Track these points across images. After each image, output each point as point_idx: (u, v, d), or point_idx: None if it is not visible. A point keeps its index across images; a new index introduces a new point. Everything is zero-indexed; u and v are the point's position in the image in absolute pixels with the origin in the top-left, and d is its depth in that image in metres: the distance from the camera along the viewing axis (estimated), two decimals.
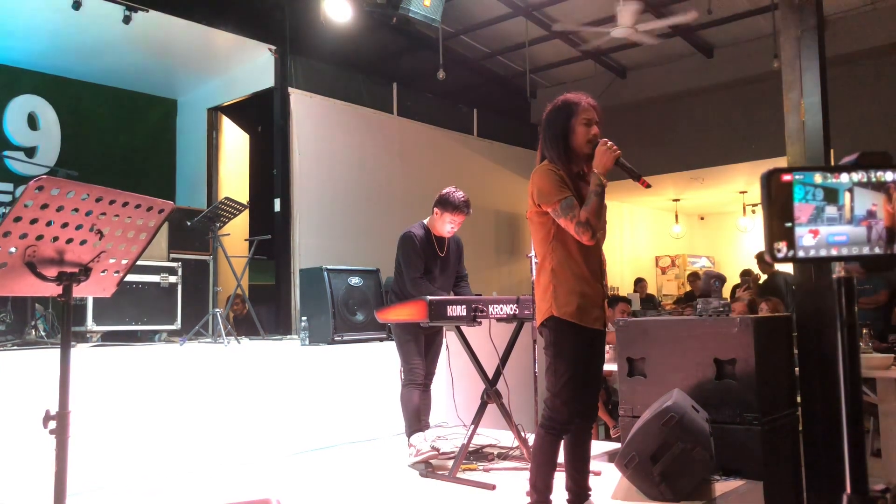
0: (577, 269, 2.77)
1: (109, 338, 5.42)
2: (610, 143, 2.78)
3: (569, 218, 2.69)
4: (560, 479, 2.90)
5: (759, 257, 9.05)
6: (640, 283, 11.12)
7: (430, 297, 3.57)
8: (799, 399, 3.90)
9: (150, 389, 3.98)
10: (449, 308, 3.59)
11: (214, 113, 8.88)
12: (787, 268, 7.04)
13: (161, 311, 5.70)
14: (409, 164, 8.68)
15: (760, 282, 8.62)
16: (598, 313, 2.80)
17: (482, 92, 10.39)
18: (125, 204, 2.06)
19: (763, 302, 6.10)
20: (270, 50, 7.65)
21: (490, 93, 10.53)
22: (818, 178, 1.14)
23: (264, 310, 7.44)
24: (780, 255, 1.15)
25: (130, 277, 5.34)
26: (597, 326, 2.80)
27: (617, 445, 4.17)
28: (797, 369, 3.91)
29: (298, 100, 7.64)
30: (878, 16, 8.35)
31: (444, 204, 4.06)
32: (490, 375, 3.82)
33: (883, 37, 8.38)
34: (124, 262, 2.19)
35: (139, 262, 2.33)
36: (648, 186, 2.87)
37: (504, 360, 3.84)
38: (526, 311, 3.70)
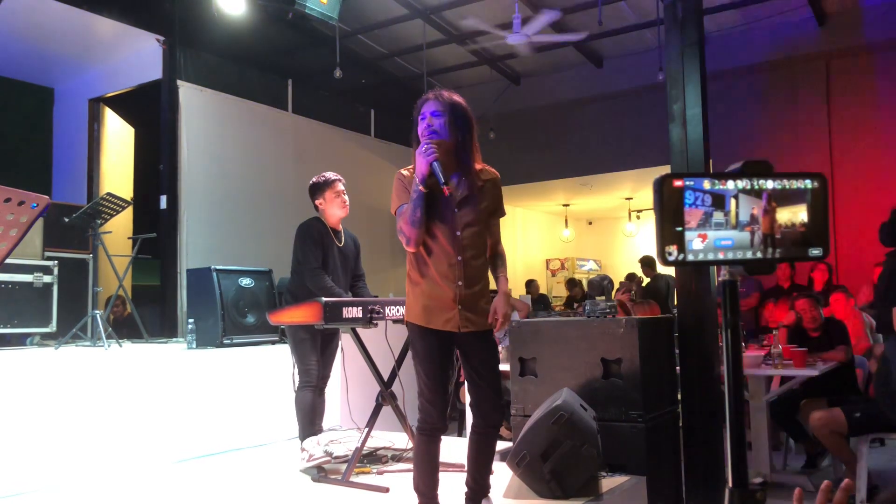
0: (426, 272, 2.73)
1: None
2: (427, 146, 2.62)
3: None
4: (460, 477, 2.91)
5: (643, 261, 9.48)
6: (531, 284, 11.37)
7: (325, 299, 3.51)
8: (679, 397, 4.09)
9: (20, 395, 3.71)
10: (345, 310, 3.54)
11: (96, 104, 8.41)
12: (670, 271, 7.38)
13: (34, 312, 5.42)
14: (303, 162, 8.52)
15: (644, 284, 9.01)
16: (448, 315, 2.69)
17: (380, 92, 10.35)
18: None
19: (637, 305, 6.35)
20: (158, 40, 7.33)
21: (388, 94, 10.50)
22: (707, 184, 1.20)
23: (148, 312, 7.12)
24: (671, 259, 1.20)
25: None
26: (448, 328, 2.69)
27: (509, 444, 4.24)
28: (678, 368, 4.10)
29: (188, 93, 7.35)
30: (750, 36, 8.92)
31: (318, 187, 4.03)
32: (385, 377, 3.80)
33: (755, 55, 8.96)
34: None
35: (9, 261, 2.17)
36: (450, 194, 2.68)
37: (400, 361, 3.83)
38: None
